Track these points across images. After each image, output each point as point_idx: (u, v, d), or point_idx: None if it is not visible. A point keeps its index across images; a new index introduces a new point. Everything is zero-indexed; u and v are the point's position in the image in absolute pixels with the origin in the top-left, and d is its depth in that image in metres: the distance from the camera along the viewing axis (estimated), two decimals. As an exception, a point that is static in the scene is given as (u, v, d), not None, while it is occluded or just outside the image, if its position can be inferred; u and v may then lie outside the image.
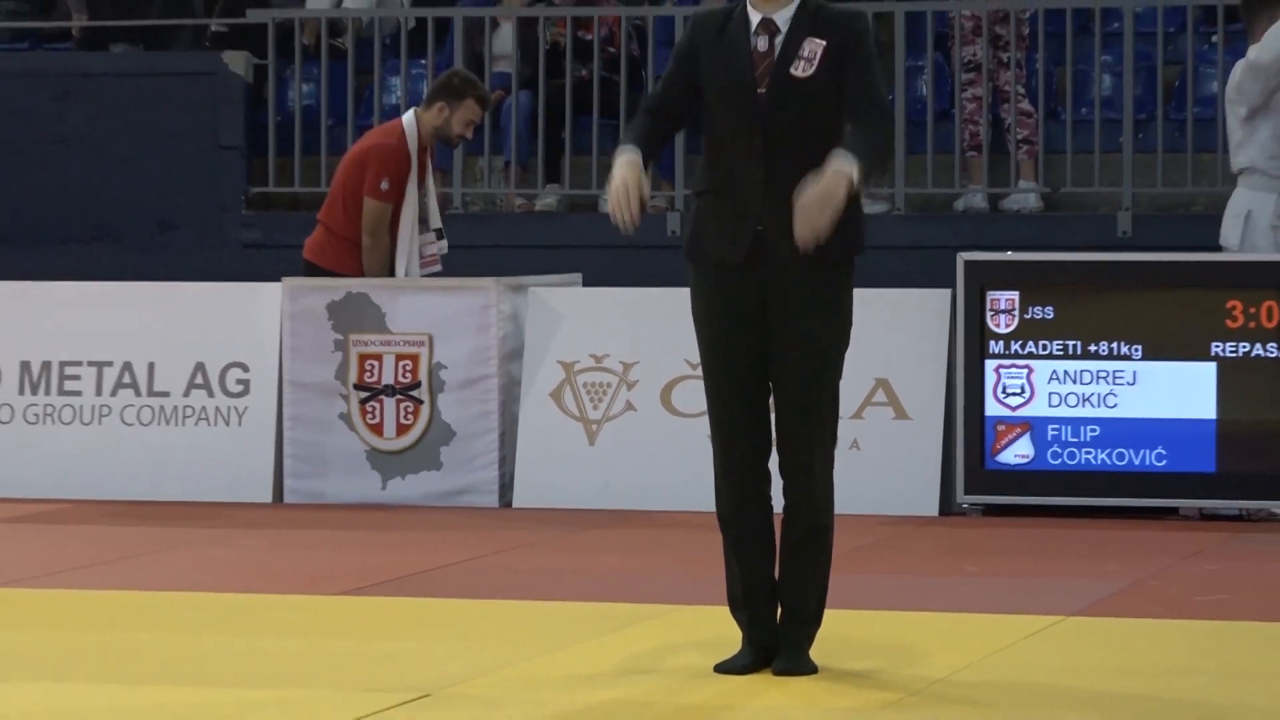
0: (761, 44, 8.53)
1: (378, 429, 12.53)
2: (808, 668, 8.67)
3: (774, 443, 8.76)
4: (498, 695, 8.14)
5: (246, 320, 12.99)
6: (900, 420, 13.45)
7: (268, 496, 12.78)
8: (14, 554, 11.52)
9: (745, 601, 8.80)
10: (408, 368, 12.54)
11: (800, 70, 8.58)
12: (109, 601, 9.96)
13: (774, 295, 8.46)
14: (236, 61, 15.48)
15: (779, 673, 8.61)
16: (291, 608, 9.83)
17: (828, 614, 9.46)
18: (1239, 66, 13.48)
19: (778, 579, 8.76)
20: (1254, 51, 13.54)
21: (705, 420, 9.24)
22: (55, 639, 8.98)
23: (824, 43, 8.58)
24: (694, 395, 12.27)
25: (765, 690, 8.50)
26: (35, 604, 10.08)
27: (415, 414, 12.54)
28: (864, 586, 10.51)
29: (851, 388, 12.49)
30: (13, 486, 13.20)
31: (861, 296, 12.64)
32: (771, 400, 8.75)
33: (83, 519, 12.23)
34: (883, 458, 13.34)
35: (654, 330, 13.34)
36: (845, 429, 12.74)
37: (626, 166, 8.24)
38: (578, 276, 14.07)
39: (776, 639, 8.76)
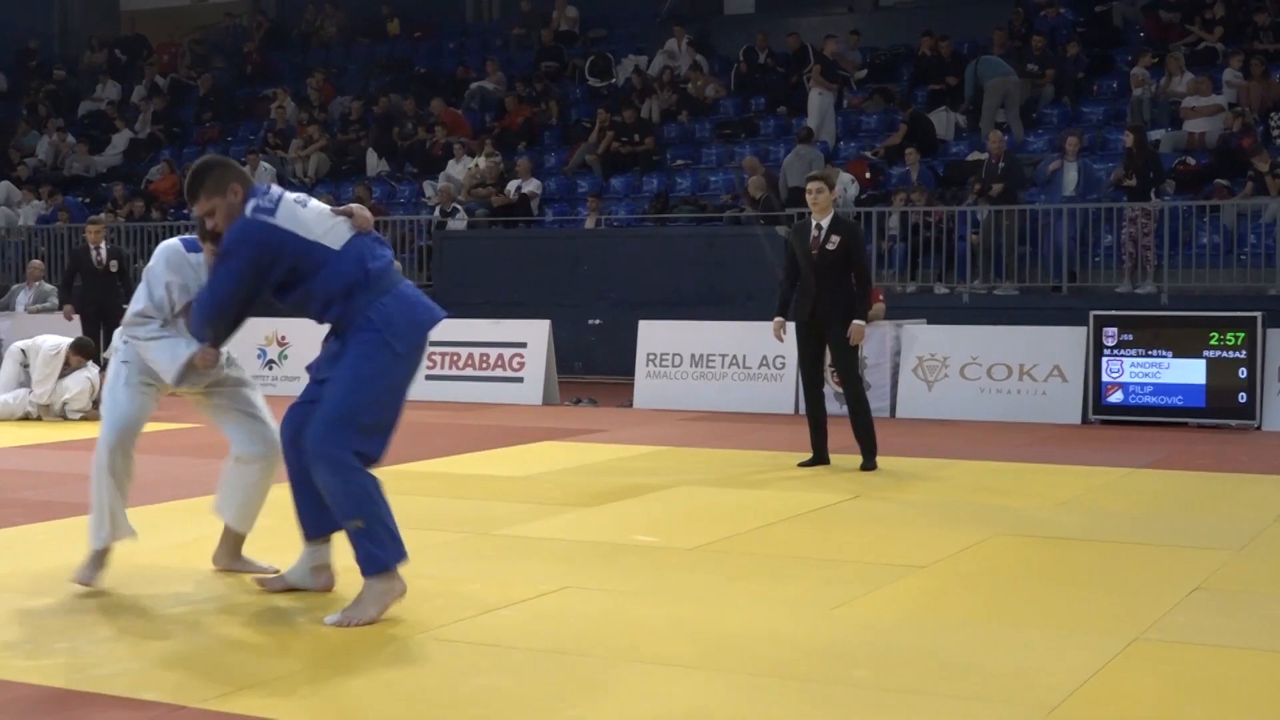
0: (815, 233, 8.86)
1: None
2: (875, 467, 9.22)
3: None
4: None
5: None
6: (1064, 382, 12.58)
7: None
8: (674, 433, 11.42)
9: (814, 435, 9.07)
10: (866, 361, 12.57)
11: (831, 245, 8.88)
12: (708, 455, 10.04)
13: (824, 329, 8.73)
14: (773, 232, 15.40)
15: (866, 469, 9.14)
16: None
17: (1029, 456, 9.84)
18: None
19: (854, 432, 8.88)
20: None
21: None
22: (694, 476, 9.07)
23: (840, 236, 8.94)
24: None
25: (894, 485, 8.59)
26: (670, 456, 10.09)
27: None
28: (1040, 454, 10.22)
29: (1040, 368, 12.87)
30: (673, 404, 13.11)
31: (1050, 328, 12.99)
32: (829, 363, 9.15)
33: (699, 419, 12.24)
34: (1056, 398, 12.60)
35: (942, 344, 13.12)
36: (1040, 385, 12.88)
37: (777, 325, 8.81)
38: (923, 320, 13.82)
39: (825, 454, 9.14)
